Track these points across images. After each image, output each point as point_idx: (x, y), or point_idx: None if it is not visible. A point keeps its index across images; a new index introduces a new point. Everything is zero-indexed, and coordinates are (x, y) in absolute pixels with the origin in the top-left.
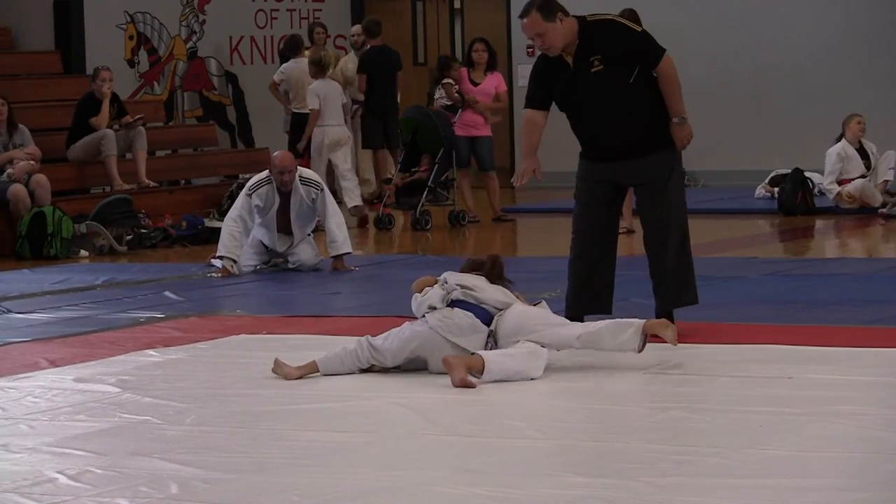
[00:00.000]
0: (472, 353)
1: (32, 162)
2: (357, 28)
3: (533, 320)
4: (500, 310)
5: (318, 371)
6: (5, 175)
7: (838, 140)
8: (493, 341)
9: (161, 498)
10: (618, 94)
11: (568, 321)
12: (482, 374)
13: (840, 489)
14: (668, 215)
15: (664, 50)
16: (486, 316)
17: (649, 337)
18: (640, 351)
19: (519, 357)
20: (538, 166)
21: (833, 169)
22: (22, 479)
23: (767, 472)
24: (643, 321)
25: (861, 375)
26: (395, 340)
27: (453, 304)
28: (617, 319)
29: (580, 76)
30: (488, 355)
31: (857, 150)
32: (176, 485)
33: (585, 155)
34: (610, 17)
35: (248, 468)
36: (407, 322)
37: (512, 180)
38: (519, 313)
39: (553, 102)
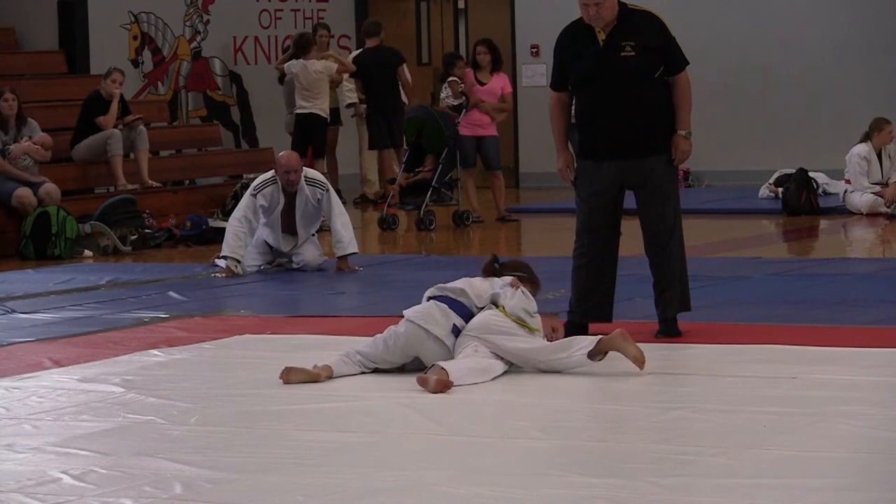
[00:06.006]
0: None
1: (37, 147)
2: None
3: (499, 326)
4: (480, 307)
5: (334, 374)
6: (9, 151)
7: (862, 141)
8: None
9: (165, 498)
10: (641, 84)
11: (532, 339)
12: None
13: (844, 489)
14: (672, 223)
15: (687, 63)
16: (464, 311)
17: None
18: (597, 360)
19: (476, 371)
20: (571, 162)
21: (861, 170)
22: (26, 478)
23: (771, 472)
24: (598, 338)
25: (865, 376)
26: (379, 344)
27: (429, 300)
28: (572, 337)
29: (609, 56)
30: (451, 370)
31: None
32: (180, 485)
33: (587, 154)
34: (650, 9)
35: (253, 468)
36: (391, 326)
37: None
38: (492, 315)
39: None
